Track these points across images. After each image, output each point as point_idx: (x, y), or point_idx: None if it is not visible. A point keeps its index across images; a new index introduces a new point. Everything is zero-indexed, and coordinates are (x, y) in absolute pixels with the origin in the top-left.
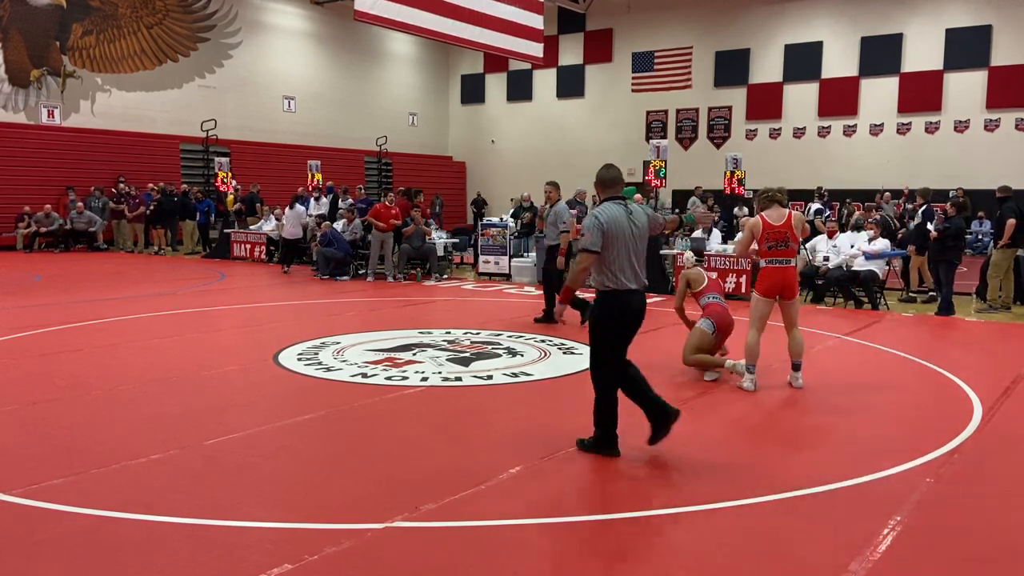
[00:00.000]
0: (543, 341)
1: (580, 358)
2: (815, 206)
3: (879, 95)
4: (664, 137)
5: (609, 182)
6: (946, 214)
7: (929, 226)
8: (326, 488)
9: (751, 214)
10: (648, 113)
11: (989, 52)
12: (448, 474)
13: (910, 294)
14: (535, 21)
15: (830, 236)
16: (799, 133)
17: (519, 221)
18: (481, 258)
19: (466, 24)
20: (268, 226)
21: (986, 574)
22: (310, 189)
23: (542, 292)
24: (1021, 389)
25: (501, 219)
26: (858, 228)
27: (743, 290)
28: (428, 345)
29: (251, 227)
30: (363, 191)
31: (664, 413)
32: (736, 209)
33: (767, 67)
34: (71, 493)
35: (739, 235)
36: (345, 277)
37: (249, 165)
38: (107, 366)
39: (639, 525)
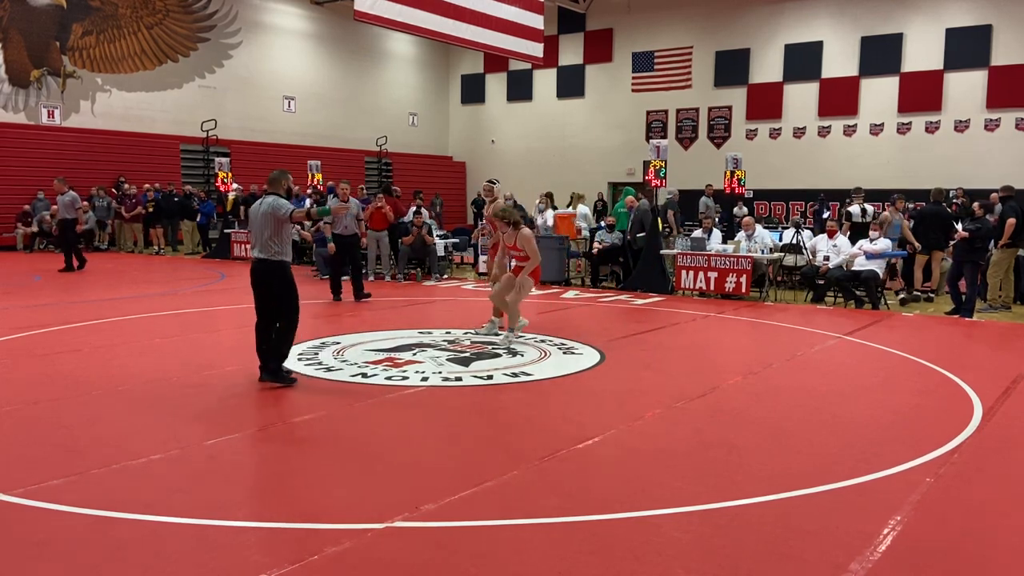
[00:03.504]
0: (543, 341)
1: (580, 358)
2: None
3: (879, 95)
4: (664, 137)
5: (269, 182)
6: (973, 214)
7: (958, 226)
8: (326, 488)
9: (751, 214)
10: (648, 113)
11: (989, 52)
12: (448, 474)
13: (914, 293)
14: (535, 21)
15: (830, 236)
16: (799, 133)
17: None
18: (481, 258)
19: (466, 24)
20: (317, 221)
21: (986, 574)
22: (305, 189)
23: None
24: (1021, 389)
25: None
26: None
27: (743, 290)
28: (428, 345)
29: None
30: (364, 191)
31: (266, 370)
32: (736, 209)
33: (767, 67)
34: (71, 493)
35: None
36: (345, 277)
37: (249, 165)
38: (107, 366)
39: (639, 525)
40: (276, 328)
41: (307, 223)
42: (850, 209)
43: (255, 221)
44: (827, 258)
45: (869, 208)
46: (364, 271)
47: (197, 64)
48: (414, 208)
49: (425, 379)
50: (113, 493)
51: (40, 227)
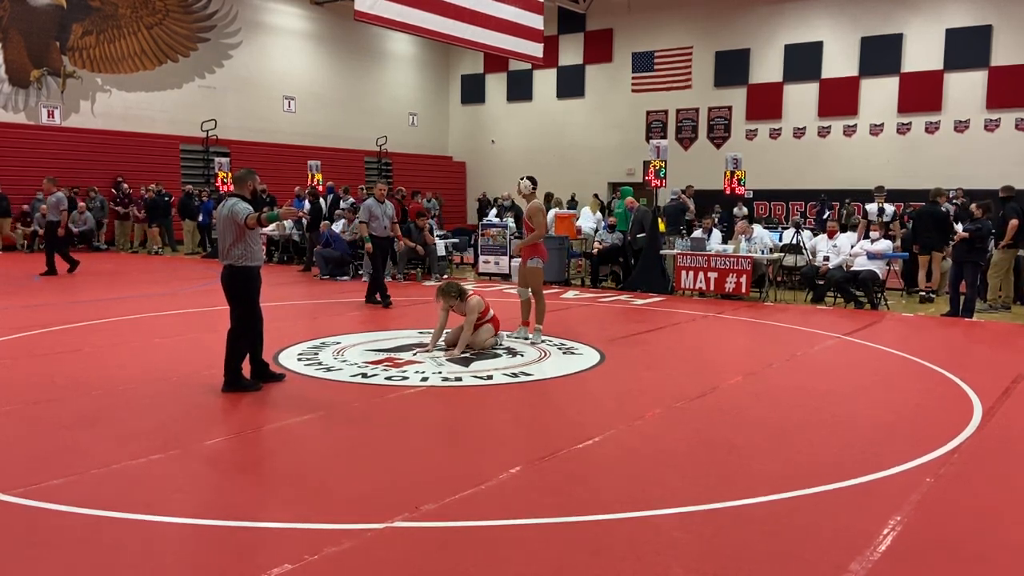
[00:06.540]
0: (543, 341)
1: (580, 358)
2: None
3: (879, 95)
4: (664, 137)
5: (234, 181)
6: (972, 215)
7: (958, 227)
8: (326, 488)
9: (751, 214)
10: (648, 113)
11: (989, 52)
12: (448, 474)
13: (916, 293)
14: (535, 21)
15: (830, 236)
16: (799, 133)
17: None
18: (481, 258)
19: (466, 24)
20: (268, 226)
21: (986, 574)
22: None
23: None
24: (1021, 389)
25: (501, 218)
26: (855, 227)
27: (743, 290)
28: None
29: None
30: (364, 191)
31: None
32: (736, 209)
33: (767, 67)
34: (71, 493)
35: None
36: (345, 277)
37: (249, 165)
38: (107, 366)
39: (639, 525)
40: (257, 334)
41: (260, 228)
42: (867, 207)
43: (219, 225)
44: (827, 258)
45: (872, 208)
46: (359, 272)
47: (197, 64)
48: (427, 226)
49: (425, 379)
50: (113, 493)
51: (37, 225)
